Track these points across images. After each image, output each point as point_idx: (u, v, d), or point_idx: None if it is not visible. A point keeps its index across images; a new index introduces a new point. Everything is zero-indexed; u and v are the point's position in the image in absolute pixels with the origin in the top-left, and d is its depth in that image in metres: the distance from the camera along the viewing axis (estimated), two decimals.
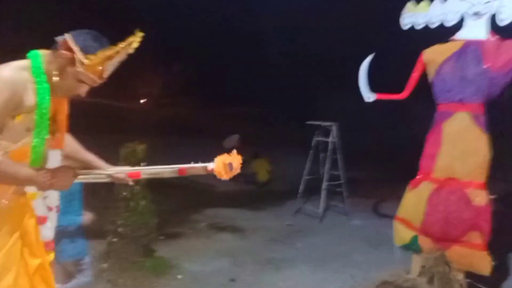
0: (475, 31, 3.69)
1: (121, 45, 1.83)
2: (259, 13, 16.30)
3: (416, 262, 3.85)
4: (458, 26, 3.80)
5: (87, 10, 13.54)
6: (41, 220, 2.00)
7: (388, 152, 12.13)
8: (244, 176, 9.05)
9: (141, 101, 21.33)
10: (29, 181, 1.82)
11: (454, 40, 3.81)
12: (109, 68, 1.87)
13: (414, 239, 3.83)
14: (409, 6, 4.09)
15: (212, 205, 6.99)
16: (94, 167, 2.16)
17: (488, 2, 3.60)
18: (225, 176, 2.09)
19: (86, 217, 3.37)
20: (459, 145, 3.62)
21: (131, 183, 2.19)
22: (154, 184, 4.41)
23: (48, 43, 1.90)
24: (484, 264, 3.50)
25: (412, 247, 3.88)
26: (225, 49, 19.71)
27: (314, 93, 18.83)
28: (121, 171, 2.14)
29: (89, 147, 2.27)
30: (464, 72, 3.64)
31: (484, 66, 3.56)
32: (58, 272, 2.92)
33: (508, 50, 3.54)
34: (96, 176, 2.11)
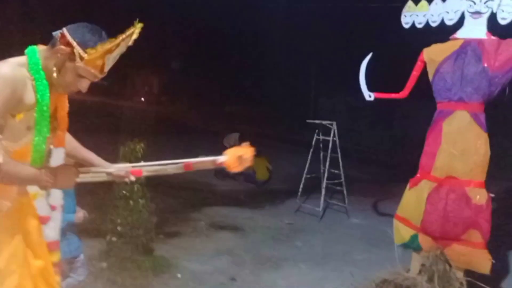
0: (475, 30, 3.70)
1: (121, 37, 1.77)
2: (260, 12, 16.29)
3: (416, 260, 3.86)
4: (458, 25, 3.80)
5: (84, 6, 13.48)
6: (44, 220, 1.97)
7: (388, 150, 12.14)
8: (243, 175, 9.07)
9: (141, 99, 21.29)
10: (32, 181, 1.78)
11: (454, 39, 3.81)
12: (110, 61, 1.82)
13: (414, 238, 3.83)
14: (409, 5, 4.09)
15: (211, 204, 6.99)
16: (95, 166, 2.12)
17: (488, 1, 3.60)
18: (236, 169, 2.04)
19: (80, 214, 3.33)
20: (458, 144, 3.63)
21: (132, 179, 2.14)
22: (153, 183, 4.41)
23: (44, 39, 1.86)
24: (483, 262, 3.51)
25: (411, 245, 3.89)
26: (225, 48, 19.69)
27: (314, 92, 18.85)
28: (123, 169, 2.10)
29: (88, 146, 2.24)
30: (464, 71, 3.64)
31: (484, 65, 3.56)
32: None
33: (508, 49, 3.54)
34: (97, 174, 2.08)
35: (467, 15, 3.73)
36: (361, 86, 4.21)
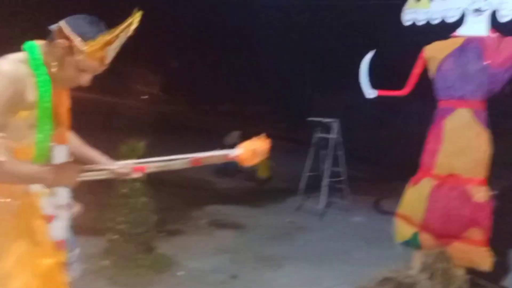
0: (476, 27, 3.69)
1: (121, 27, 1.72)
2: (258, 9, 16.26)
3: (417, 258, 3.85)
4: (459, 22, 3.80)
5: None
6: (49, 219, 1.95)
7: (389, 149, 12.13)
8: (244, 173, 9.07)
9: (142, 97, 21.30)
10: (35, 179, 1.75)
11: (455, 36, 3.81)
12: (110, 53, 1.78)
13: (415, 236, 3.83)
14: (410, 2, 4.08)
15: (212, 202, 6.99)
16: (98, 164, 2.08)
17: None
18: (250, 163, 1.97)
19: (74, 209, 3.29)
20: (460, 142, 3.62)
21: (135, 176, 2.09)
22: (154, 181, 4.41)
23: (40, 34, 1.82)
24: (484, 260, 3.51)
25: (413, 243, 3.89)
26: (225, 46, 19.67)
27: (315, 90, 18.83)
28: (126, 166, 2.06)
29: (88, 144, 2.22)
30: (465, 68, 3.64)
31: (485, 63, 3.56)
32: None
33: (509, 46, 3.53)
34: (100, 172, 2.05)
35: (468, 12, 3.72)
36: (363, 84, 4.20)
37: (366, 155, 11.32)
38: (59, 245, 1.96)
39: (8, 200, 1.78)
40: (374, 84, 4.20)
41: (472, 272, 3.62)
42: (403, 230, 3.94)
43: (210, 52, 19.95)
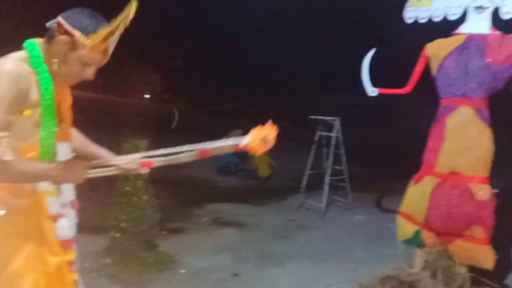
0: (478, 25, 3.68)
1: (120, 17, 1.70)
2: (260, 8, 16.24)
3: (419, 256, 3.85)
4: (461, 20, 3.79)
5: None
6: (55, 218, 1.95)
7: (391, 146, 12.11)
8: (245, 172, 9.09)
9: (145, 96, 21.32)
10: (43, 176, 1.74)
11: (457, 34, 3.79)
12: (112, 44, 1.76)
13: (417, 234, 3.83)
14: (412, 0, 4.07)
15: (214, 200, 7.00)
16: (104, 160, 2.06)
17: None
18: (260, 151, 1.91)
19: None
20: (462, 139, 3.61)
21: (143, 171, 2.08)
22: (157, 180, 4.42)
23: (34, 32, 1.81)
24: (487, 258, 3.50)
25: (415, 241, 3.88)
26: (226, 44, 19.67)
27: (316, 88, 18.82)
28: (134, 161, 2.04)
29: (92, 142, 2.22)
30: (467, 66, 3.63)
31: (487, 60, 3.54)
32: None
33: (511, 44, 3.52)
34: (107, 168, 2.03)
35: (470, 10, 3.71)
36: (364, 82, 4.20)
37: (367, 153, 11.30)
38: (67, 244, 1.97)
39: (17, 199, 1.78)
40: (376, 82, 4.19)
41: (474, 270, 3.62)
42: (405, 228, 3.93)
43: (211, 51, 19.96)
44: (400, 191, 4.11)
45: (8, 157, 1.60)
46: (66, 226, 1.94)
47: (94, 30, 1.71)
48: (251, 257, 4.81)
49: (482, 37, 3.62)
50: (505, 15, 3.54)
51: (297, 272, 4.48)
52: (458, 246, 3.61)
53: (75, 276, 2.02)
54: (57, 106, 1.82)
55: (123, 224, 4.18)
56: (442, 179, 3.69)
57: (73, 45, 1.71)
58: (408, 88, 4.06)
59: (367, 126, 15.12)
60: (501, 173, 4.11)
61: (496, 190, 3.57)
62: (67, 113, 1.95)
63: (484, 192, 3.52)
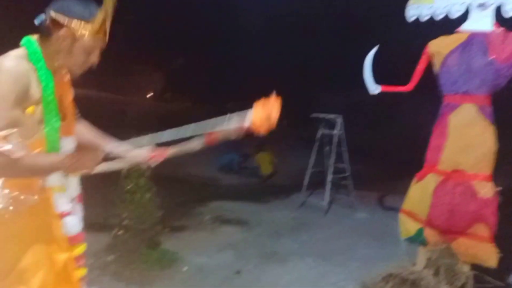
0: (481, 22, 3.66)
1: None
2: (262, 6, 16.23)
3: (422, 254, 3.85)
4: (464, 18, 3.77)
5: None
6: (64, 215, 1.96)
7: (393, 144, 12.09)
8: (248, 170, 9.09)
9: (147, 95, 21.34)
10: (55, 168, 1.74)
11: (459, 32, 3.78)
12: (108, 24, 1.75)
13: (420, 232, 3.82)
14: None
15: (216, 198, 7.01)
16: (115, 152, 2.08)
17: None
18: (264, 130, 1.89)
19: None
20: (465, 137, 3.61)
21: (157, 162, 2.09)
22: (159, 177, 4.43)
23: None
24: (490, 256, 3.49)
25: (417, 239, 3.88)
26: (228, 43, 19.65)
27: (318, 86, 18.79)
28: (145, 151, 2.05)
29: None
30: (470, 63, 3.62)
31: (490, 58, 3.53)
32: None
33: None
34: (119, 161, 2.03)
35: (473, 7, 3.70)
36: (367, 80, 4.19)
37: (370, 151, 11.29)
38: (75, 239, 1.98)
39: (26, 196, 1.78)
40: (378, 80, 4.18)
41: (477, 268, 3.61)
42: (408, 226, 3.93)
43: (212, 49, 19.94)
44: (402, 189, 4.11)
45: (19, 153, 1.61)
46: (74, 222, 1.95)
47: (91, 15, 1.70)
48: (254, 255, 4.81)
49: (485, 34, 3.61)
50: (507, 13, 3.53)
51: (300, 270, 4.49)
52: (461, 244, 3.60)
53: (84, 271, 2.03)
54: (59, 101, 1.82)
55: (126, 222, 4.18)
56: (445, 177, 3.69)
57: (75, 36, 1.71)
58: (411, 86, 4.05)
59: (369, 124, 15.11)
60: (505, 171, 4.10)
61: (499, 188, 3.57)
62: (69, 108, 1.95)
63: (487, 190, 3.52)
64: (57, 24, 1.70)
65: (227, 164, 9.22)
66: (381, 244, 5.16)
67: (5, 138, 1.60)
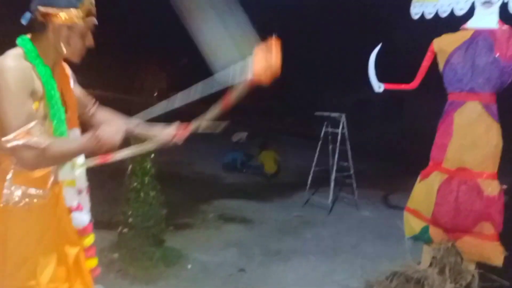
0: (486, 20, 3.64)
1: None
2: (266, 4, 16.19)
3: (427, 253, 3.84)
4: (469, 15, 3.76)
5: None
6: (74, 208, 1.97)
7: (398, 142, 12.07)
8: (251, 168, 9.09)
9: (154, 95, 21.34)
10: (83, 148, 1.74)
11: (464, 29, 3.76)
12: (94, 4, 1.80)
13: (425, 230, 3.81)
14: None
15: (220, 196, 7.01)
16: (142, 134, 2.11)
17: None
18: (267, 80, 1.88)
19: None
20: (470, 135, 3.59)
21: (182, 139, 2.12)
22: (164, 176, 4.44)
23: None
24: (495, 254, 3.48)
25: (422, 237, 3.87)
26: None
27: (322, 84, 18.75)
28: (170, 131, 2.11)
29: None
30: (475, 61, 3.60)
31: (495, 55, 3.51)
32: None
33: None
34: (145, 144, 2.03)
35: (477, 4, 3.68)
36: (371, 78, 4.18)
37: (374, 149, 11.27)
38: (84, 231, 2.00)
39: (37, 191, 1.80)
40: (383, 78, 4.17)
41: (483, 266, 3.60)
42: (413, 225, 3.92)
43: None
44: (407, 187, 4.10)
45: (45, 143, 1.63)
46: (83, 216, 1.97)
47: (78, 1, 1.72)
48: (257, 253, 4.82)
49: (490, 32, 3.59)
50: None
51: (304, 268, 4.49)
52: (466, 243, 3.59)
53: (94, 262, 2.06)
54: (61, 94, 1.85)
55: (130, 220, 4.20)
56: (450, 175, 3.67)
57: (69, 25, 1.73)
58: (415, 84, 4.04)
59: (373, 122, 15.07)
60: (510, 169, 4.08)
61: (505, 186, 3.55)
62: (71, 100, 1.98)
63: (492, 188, 3.50)
64: (48, 18, 1.71)
65: (231, 163, 9.22)
66: (386, 242, 5.16)
67: (28, 132, 1.63)
